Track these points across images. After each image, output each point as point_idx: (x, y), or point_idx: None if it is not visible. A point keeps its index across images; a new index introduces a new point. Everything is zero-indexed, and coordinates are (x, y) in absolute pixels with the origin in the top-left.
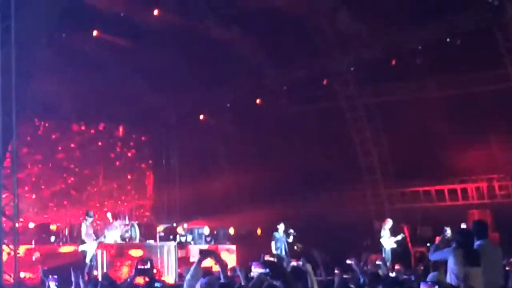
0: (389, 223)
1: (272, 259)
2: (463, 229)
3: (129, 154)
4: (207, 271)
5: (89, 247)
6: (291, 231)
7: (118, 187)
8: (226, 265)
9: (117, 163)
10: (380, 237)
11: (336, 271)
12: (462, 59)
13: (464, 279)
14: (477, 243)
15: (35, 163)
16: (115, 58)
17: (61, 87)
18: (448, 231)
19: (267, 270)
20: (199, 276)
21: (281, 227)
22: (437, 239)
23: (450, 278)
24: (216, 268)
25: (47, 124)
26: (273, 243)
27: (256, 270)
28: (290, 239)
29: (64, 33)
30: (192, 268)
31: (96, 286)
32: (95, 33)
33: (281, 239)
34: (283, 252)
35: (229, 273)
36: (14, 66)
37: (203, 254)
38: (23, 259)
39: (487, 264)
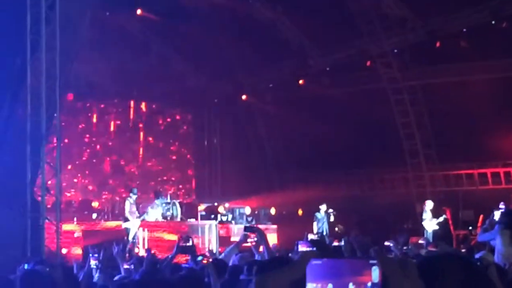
0: (429, 204)
1: (316, 237)
2: (509, 210)
3: (172, 134)
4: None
5: (132, 224)
6: (332, 211)
7: (160, 166)
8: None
9: (159, 142)
10: (422, 220)
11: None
12: (507, 42)
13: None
14: None
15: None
16: (158, 37)
17: (103, 66)
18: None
19: (314, 248)
20: (234, 252)
21: (323, 207)
22: (481, 217)
23: (497, 259)
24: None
25: (88, 104)
26: (315, 223)
27: (302, 249)
28: (331, 220)
29: (107, 11)
30: (231, 246)
31: (140, 263)
32: (138, 11)
33: (322, 220)
34: (325, 233)
35: None
36: (59, 44)
37: (248, 229)
38: (65, 235)
39: None
